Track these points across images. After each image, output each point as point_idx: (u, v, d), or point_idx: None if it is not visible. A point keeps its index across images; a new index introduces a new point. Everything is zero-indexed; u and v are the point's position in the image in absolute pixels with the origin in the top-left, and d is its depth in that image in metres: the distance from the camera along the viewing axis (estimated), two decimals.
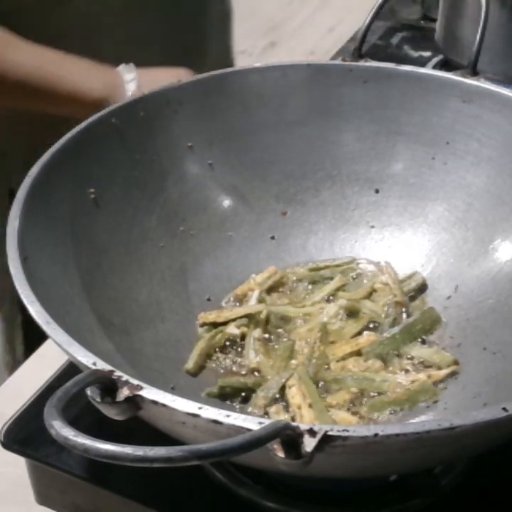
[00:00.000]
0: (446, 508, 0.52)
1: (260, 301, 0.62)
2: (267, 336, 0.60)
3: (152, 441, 0.34)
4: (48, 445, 0.56)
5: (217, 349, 0.60)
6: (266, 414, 0.54)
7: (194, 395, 0.55)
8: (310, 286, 0.65)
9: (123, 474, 0.53)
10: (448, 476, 0.53)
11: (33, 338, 0.60)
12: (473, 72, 0.65)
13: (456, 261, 0.64)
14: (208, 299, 0.63)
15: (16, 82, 0.66)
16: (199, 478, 0.53)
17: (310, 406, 0.53)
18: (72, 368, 0.48)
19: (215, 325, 0.61)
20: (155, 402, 0.37)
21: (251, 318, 0.60)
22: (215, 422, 0.36)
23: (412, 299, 0.64)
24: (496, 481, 0.54)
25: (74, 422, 0.34)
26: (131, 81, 0.70)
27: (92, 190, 0.59)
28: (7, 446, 0.57)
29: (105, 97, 0.69)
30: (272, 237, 0.67)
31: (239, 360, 0.59)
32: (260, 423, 0.35)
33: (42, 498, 0.59)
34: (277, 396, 0.55)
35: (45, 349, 0.70)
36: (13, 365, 0.87)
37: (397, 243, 0.67)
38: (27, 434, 0.57)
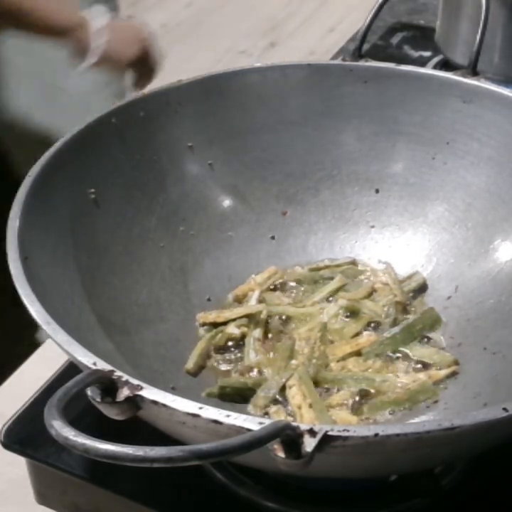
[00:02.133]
0: (446, 508, 0.52)
1: (260, 301, 0.62)
2: (267, 336, 0.60)
3: (152, 441, 0.34)
4: (48, 445, 0.56)
5: (217, 349, 0.60)
6: (266, 414, 0.54)
7: (194, 395, 0.55)
8: (310, 286, 0.65)
9: (123, 474, 0.53)
10: (448, 476, 0.53)
11: None
12: (474, 72, 0.65)
13: (457, 261, 0.64)
14: (208, 299, 0.63)
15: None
16: (199, 478, 0.53)
17: (310, 406, 0.53)
18: (72, 368, 0.48)
19: (215, 325, 0.61)
20: (155, 402, 0.37)
21: (251, 318, 0.60)
22: (215, 422, 0.36)
23: (412, 299, 0.64)
24: (495, 481, 0.54)
25: (74, 422, 0.34)
26: (98, 31, 0.82)
27: (92, 190, 0.59)
28: (7, 446, 0.57)
29: (69, 31, 0.82)
30: (272, 237, 0.67)
31: (239, 360, 0.59)
32: (260, 423, 0.35)
33: (42, 498, 0.59)
34: (277, 396, 0.55)
35: (45, 349, 0.70)
36: None
37: (397, 243, 0.67)
38: (27, 434, 0.57)
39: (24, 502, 0.60)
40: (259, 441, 0.34)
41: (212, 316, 0.61)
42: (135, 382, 0.38)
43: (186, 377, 0.57)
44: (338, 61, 0.68)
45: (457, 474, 0.53)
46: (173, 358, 0.58)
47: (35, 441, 0.56)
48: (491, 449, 0.46)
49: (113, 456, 0.32)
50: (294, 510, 0.52)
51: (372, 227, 0.68)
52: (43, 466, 0.56)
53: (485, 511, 0.53)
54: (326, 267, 0.66)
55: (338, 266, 0.66)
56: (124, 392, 0.37)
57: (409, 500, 0.52)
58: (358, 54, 0.68)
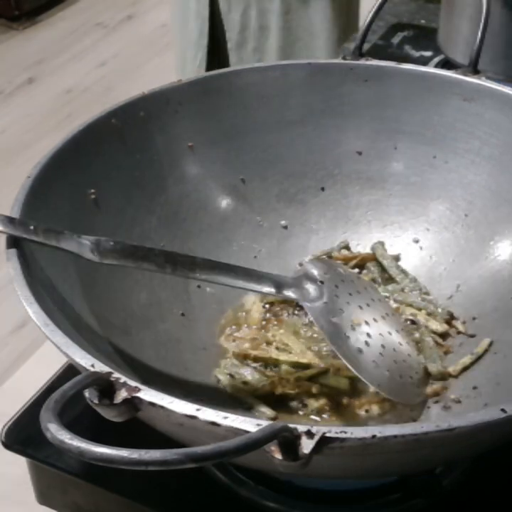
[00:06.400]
0: (447, 508, 0.52)
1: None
2: None
3: (152, 443, 0.34)
4: (48, 445, 0.54)
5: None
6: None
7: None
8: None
9: (123, 474, 0.52)
10: (449, 476, 0.53)
11: None
12: (475, 70, 0.65)
13: (458, 260, 0.64)
14: (208, 299, 0.63)
15: None
16: (199, 478, 0.53)
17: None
18: (72, 368, 0.48)
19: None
20: (153, 404, 0.37)
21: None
22: (213, 423, 0.36)
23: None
24: (496, 481, 0.54)
25: (72, 424, 0.34)
26: None
27: (92, 190, 0.59)
28: (8, 446, 0.57)
29: None
30: (273, 237, 0.67)
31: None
32: (258, 425, 0.35)
33: (43, 498, 0.59)
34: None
35: (46, 349, 0.70)
36: None
37: (399, 242, 0.67)
38: (28, 434, 0.57)
39: (25, 502, 0.60)
40: (256, 443, 0.34)
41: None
42: (133, 383, 0.38)
43: (186, 377, 0.57)
44: (339, 60, 0.68)
45: (458, 474, 0.53)
46: (173, 359, 0.58)
47: (36, 442, 0.56)
48: (491, 449, 0.46)
49: (108, 459, 0.32)
50: (294, 510, 0.52)
51: (374, 226, 0.68)
52: (43, 466, 0.56)
53: (485, 511, 0.52)
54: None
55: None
56: (122, 394, 0.37)
57: (410, 501, 0.52)
58: (359, 53, 0.68)
